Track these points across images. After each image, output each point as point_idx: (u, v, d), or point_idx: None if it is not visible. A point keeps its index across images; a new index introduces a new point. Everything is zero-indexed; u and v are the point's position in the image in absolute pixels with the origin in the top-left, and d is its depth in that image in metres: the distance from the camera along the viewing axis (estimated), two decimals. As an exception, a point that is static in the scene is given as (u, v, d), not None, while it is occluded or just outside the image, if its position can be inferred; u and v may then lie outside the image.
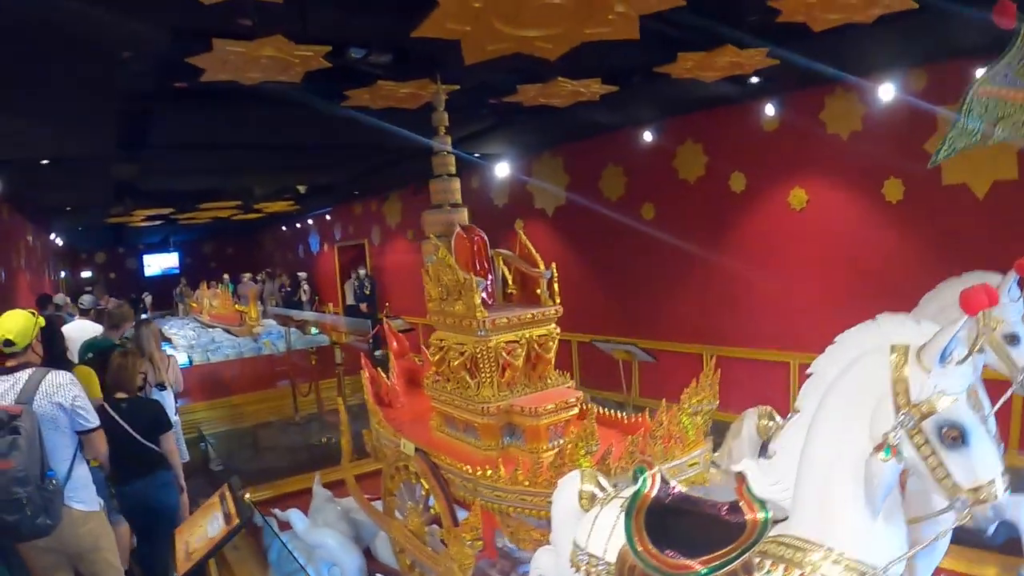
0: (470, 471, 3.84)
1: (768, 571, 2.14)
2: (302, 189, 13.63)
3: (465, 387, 4.26)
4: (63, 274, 20.84)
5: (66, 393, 3.78)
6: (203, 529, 3.77)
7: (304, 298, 19.67)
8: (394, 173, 12.77)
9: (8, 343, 3.76)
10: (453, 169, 5.13)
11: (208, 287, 16.71)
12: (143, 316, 7.39)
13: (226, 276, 17.99)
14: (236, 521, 3.58)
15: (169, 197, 13.06)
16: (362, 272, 16.04)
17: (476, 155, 10.68)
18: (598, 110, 7.47)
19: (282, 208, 16.43)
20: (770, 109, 7.96)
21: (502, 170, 11.37)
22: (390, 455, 4.47)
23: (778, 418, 4.18)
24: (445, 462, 4.04)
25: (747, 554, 2.16)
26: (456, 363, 4.24)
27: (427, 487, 4.07)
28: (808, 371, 2.30)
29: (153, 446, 4.67)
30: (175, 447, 4.68)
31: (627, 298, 10.03)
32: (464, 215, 5.09)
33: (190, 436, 8.58)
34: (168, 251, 27.16)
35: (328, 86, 5.45)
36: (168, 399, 6.20)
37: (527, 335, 4.29)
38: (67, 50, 4.59)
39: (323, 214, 20.10)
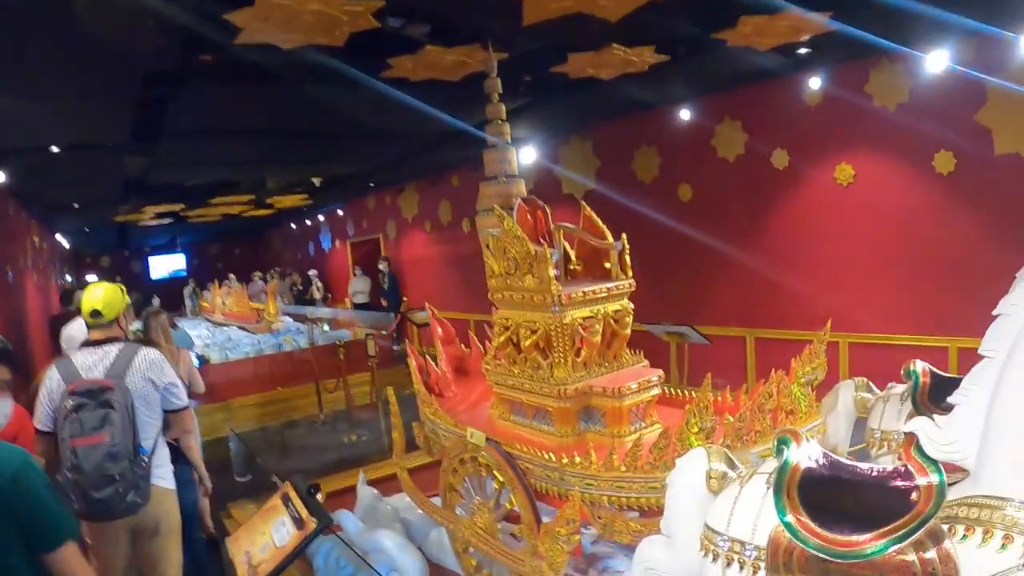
0: (554, 460, 3.52)
1: (964, 536, 1.86)
2: (317, 182, 13.28)
3: (535, 369, 3.95)
4: (68, 278, 20.46)
5: (159, 370, 3.74)
6: (267, 537, 3.42)
7: (317, 296, 19.39)
8: (415, 162, 12.52)
9: (95, 313, 3.69)
10: (509, 137, 4.80)
11: (220, 286, 16.36)
12: (151, 307, 6.92)
13: (231, 276, 17.67)
14: (311, 525, 3.22)
15: (181, 192, 12.73)
16: (382, 266, 15.73)
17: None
18: (640, 85, 7.20)
19: (294, 203, 16.11)
20: (814, 82, 7.70)
21: (528, 155, 11.05)
22: (451, 447, 4.13)
23: (876, 389, 3.88)
24: (523, 452, 3.71)
25: (931, 521, 1.83)
26: (527, 343, 3.92)
27: (501, 480, 3.73)
28: (995, 312, 2.00)
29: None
30: (194, 444, 4.36)
31: (664, 282, 9.70)
32: (521, 186, 4.77)
33: (208, 439, 8.32)
34: (174, 252, 26.81)
35: (372, 51, 5.12)
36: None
37: (602, 311, 3.98)
38: (84, 21, 4.29)
39: (334, 209, 19.80)
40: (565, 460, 3.46)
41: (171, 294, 21.44)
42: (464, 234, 14.09)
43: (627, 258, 4.24)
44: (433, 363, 5.01)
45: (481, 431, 3.87)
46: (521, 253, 3.90)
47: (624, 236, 4.30)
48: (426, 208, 15.43)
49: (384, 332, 11.45)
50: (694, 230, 9.31)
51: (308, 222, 22.51)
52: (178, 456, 4.27)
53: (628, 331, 4.10)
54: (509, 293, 4.03)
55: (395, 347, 12.94)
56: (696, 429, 3.09)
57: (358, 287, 17.31)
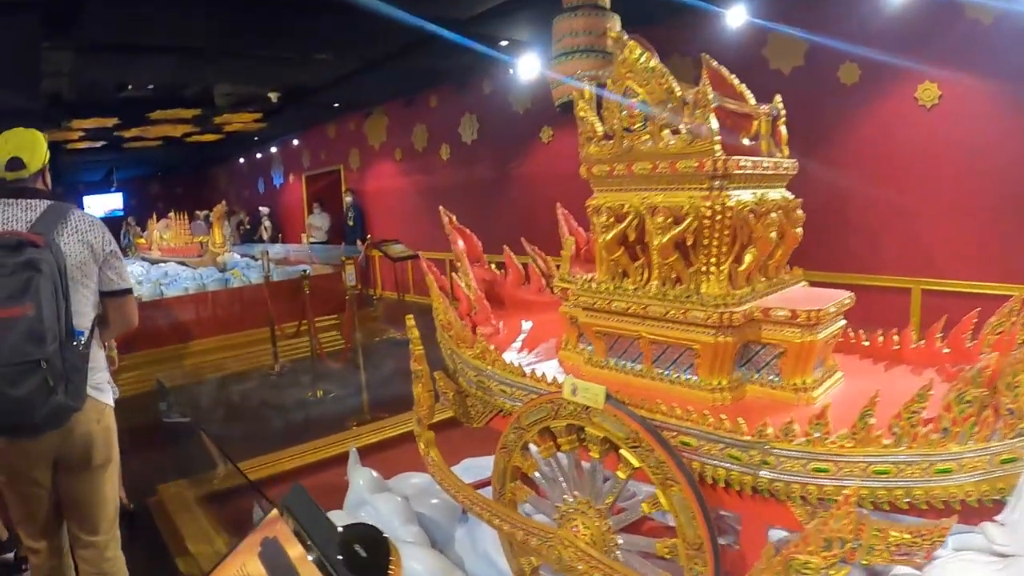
0: (744, 430, 2.12)
1: None
2: (274, 97, 11.61)
3: (670, 283, 2.56)
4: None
5: (99, 234, 2.92)
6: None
7: (266, 236, 17.73)
8: (386, 78, 11.05)
9: (16, 163, 2.91)
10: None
11: (158, 220, 14.51)
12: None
13: (172, 214, 15.85)
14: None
15: (114, 104, 11.02)
16: (347, 200, 14.20)
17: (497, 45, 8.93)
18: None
19: (246, 125, 14.37)
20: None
21: (528, 65, 9.55)
22: (525, 411, 2.62)
23: None
24: (679, 417, 2.29)
25: None
26: (661, 240, 2.46)
27: (631, 465, 2.30)
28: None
29: None
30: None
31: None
32: (617, 21, 3.29)
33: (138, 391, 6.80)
34: (111, 191, 24.84)
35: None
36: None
37: (767, 197, 2.60)
38: None
39: (289, 140, 18.11)
40: (770, 430, 2.06)
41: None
42: (443, 162, 12.67)
43: (784, 129, 2.84)
44: (462, 284, 3.53)
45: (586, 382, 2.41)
46: (658, 95, 2.44)
47: (778, 97, 2.89)
48: (397, 134, 14.01)
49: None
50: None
51: (259, 155, 20.67)
52: None
53: (800, 231, 2.69)
54: (624, 164, 2.58)
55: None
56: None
57: (317, 223, 15.71)
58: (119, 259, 3.04)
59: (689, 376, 2.55)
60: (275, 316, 8.58)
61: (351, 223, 14.21)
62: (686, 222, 2.42)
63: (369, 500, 3.77)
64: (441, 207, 3.83)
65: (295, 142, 18.26)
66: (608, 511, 2.43)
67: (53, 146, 12.01)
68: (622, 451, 2.29)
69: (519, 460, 2.69)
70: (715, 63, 2.86)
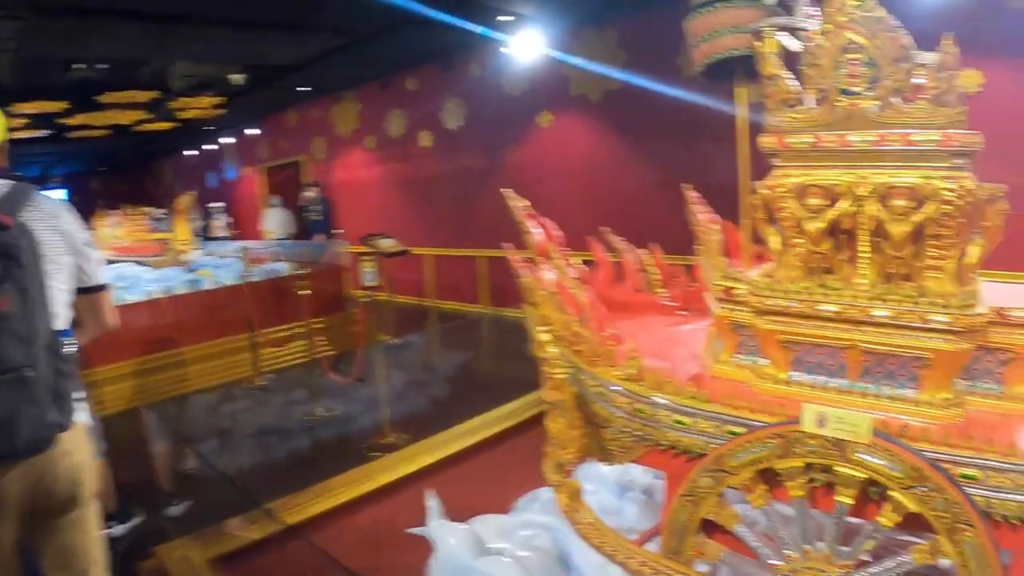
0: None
1: None
2: (238, 79, 11.06)
3: (896, 279, 2.22)
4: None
5: (71, 220, 2.51)
6: None
7: (218, 234, 16.99)
8: (360, 57, 10.63)
9: None
10: None
11: (104, 215, 13.60)
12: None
13: (124, 209, 15.05)
14: None
15: (61, 86, 10.38)
16: (311, 193, 13.52)
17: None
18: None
19: (205, 111, 13.73)
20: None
21: (526, 42, 9.17)
22: (727, 451, 2.16)
23: None
24: (967, 449, 1.94)
25: None
26: (902, 229, 2.11)
27: (901, 509, 1.95)
28: None
29: None
30: None
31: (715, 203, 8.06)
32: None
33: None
34: (50, 188, 23.68)
35: None
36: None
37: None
38: None
39: (245, 129, 17.43)
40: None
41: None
42: (423, 150, 12.18)
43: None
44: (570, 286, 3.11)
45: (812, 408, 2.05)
46: (891, 51, 2.08)
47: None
48: (370, 120, 13.45)
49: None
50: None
51: (213, 146, 19.86)
52: None
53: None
54: (837, 135, 2.21)
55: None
56: None
57: (275, 221, 14.99)
58: (96, 249, 2.62)
59: (910, 391, 2.22)
60: (257, 321, 8.06)
61: (319, 217, 13.57)
62: (927, 207, 2.07)
63: (473, 568, 3.20)
64: (505, 190, 3.39)
65: (252, 132, 17.57)
66: (860, 566, 2.07)
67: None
68: (892, 494, 1.93)
69: (713, 509, 2.30)
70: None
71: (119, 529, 4.35)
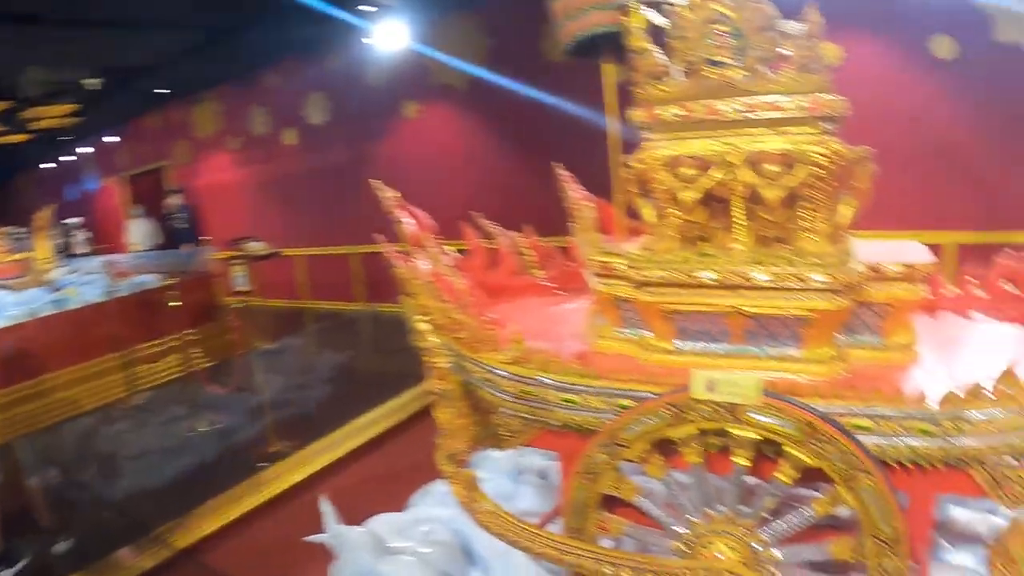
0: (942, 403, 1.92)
1: None
2: (95, 83, 10.54)
3: (772, 242, 2.29)
4: None
5: None
6: None
7: (77, 251, 16.18)
8: (218, 55, 10.30)
9: None
10: None
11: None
12: None
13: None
14: None
15: None
16: (175, 200, 12.97)
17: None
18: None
19: (59, 120, 13.03)
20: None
21: (388, 33, 9.04)
22: (619, 422, 2.19)
23: None
24: (855, 400, 2.02)
25: None
26: (774, 193, 2.17)
27: (799, 464, 2.01)
28: None
29: None
30: None
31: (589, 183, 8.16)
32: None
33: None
34: None
35: None
36: None
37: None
38: None
39: (107, 135, 16.57)
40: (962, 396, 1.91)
41: None
42: (288, 149, 11.89)
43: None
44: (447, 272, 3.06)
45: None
46: (757, 21, 2.13)
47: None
48: (233, 120, 13.02)
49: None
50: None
51: (70, 157, 18.80)
52: None
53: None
54: (706, 105, 2.24)
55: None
56: None
57: (139, 232, 14.37)
58: None
59: (794, 350, 2.29)
60: (129, 337, 7.71)
61: (184, 225, 13.05)
62: (798, 171, 2.13)
63: (375, 571, 3.15)
64: (374, 181, 3.32)
65: (114, 138, 16.72)
66: (762, 524, 2.11)
67: None
68: (788, 450, 1.97)
69: (612, 484, 2.30)
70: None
71: (7, 574, 4.10)
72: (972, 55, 6.00)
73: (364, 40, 9.50)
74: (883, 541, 1.93)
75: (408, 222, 3.16)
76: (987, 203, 6.32)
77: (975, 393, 1.89)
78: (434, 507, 3.76)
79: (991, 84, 5.95)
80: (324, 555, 3.40)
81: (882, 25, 6.36)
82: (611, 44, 2.76)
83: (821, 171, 2.11)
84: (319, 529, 3.46)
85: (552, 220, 3.93)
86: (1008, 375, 1.88)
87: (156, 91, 12.56)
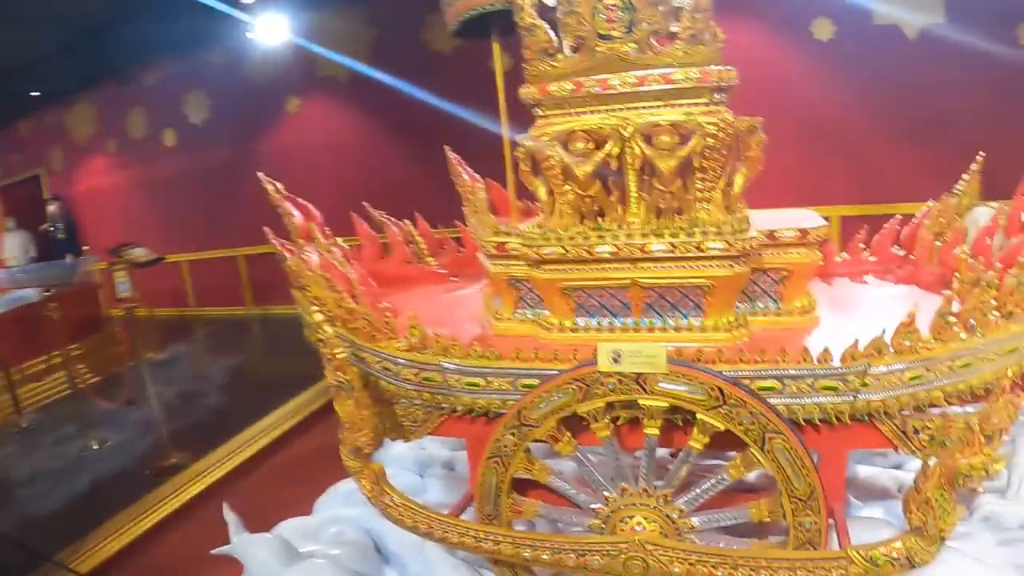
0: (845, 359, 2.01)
1: None
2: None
3: (667, 214, 2.30)
4: None
5: None
6: None
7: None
8: (92, 53, 9.87)
9: None
10: None
11: None
12: None
13: None
14: None
15: None
16: (52, 208, 12.41)
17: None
18: None
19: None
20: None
21: (269, 26, 8.84)
22: (530, 400, 2.16)
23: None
24: (764, 363, 2.06)
25: None
26: (669, 164, 2.18)
27: (710, 429, 2.03)
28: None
29: None
30: None
31: (481, 167, 8.14)
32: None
33: None
34: None
35: None
36: None
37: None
38: None
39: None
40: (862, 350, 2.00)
41: None
42: (168, 149, 11.50)
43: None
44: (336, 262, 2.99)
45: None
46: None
47: None
48: (110, 122, 12.43)
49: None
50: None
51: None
52: None
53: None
54: (598, 80, 2.23)
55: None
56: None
57: (14, 245, 13.64)
58: None
59: (695, 319, 2.31)
60: (10, 356, 7.33)
61: (62, 235, 12.48)
62: (692, 142, 2.14)
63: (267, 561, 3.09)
64: (259, 174, 3.22)
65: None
66: (677, 493, 2.12)
67: None
68: (698, 416, 1.97)
69: (523, 467, 2.27)
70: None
71: None
72: (849, 36, 6.24)
73: (246, 35, 9.25)
74: (799, 499, 1.97)
75: (295, 215, 3.09)
76: (865, 178, 6.60)
77: (877, 347, 1.95)
78: (342, 507, 3.67)
79: (867, 65, 6.23)
80: (234, 566, 3.28)
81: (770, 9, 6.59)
82: (499, 22, 2.72)
83: (714, 141, 2.13)
84: (226, 540, 3.33)
85: (443, 211, 3.90)
86: (905, 328, 1.94)
87: (29, 93, 11.93)
